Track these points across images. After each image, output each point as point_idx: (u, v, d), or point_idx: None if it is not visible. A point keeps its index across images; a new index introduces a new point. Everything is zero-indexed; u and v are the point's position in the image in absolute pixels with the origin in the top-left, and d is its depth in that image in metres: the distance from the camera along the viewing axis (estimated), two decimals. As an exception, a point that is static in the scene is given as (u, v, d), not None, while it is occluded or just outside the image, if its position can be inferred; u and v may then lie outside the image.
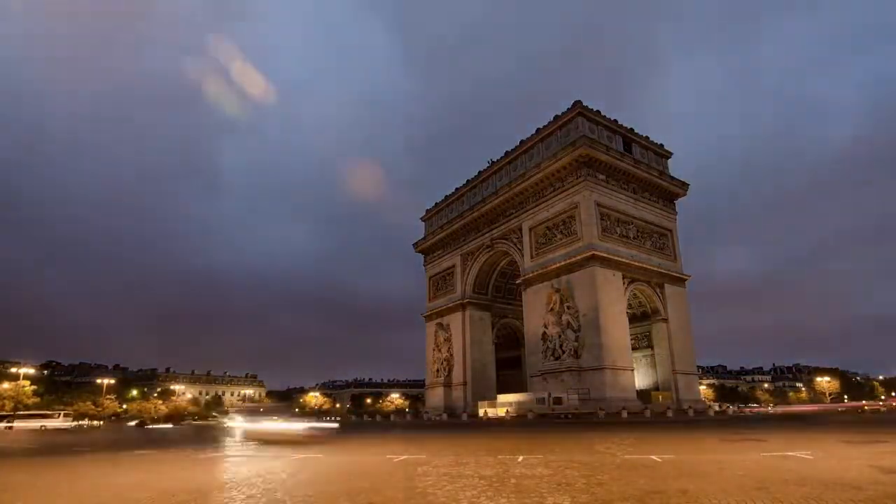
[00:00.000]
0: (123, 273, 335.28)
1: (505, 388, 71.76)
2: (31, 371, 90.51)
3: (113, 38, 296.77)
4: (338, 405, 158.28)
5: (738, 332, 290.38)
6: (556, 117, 68.33)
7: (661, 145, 74.57)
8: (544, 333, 63.35)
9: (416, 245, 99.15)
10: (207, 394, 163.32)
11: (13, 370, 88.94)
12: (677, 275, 68.63)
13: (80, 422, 76.45)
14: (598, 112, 67.11)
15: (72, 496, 9.78)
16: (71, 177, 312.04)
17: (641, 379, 60.31)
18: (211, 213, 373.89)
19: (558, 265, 62.98)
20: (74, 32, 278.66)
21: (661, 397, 60.54)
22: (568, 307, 60.80)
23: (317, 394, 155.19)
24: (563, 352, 60.46)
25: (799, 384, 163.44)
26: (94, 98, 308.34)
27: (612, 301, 59.53)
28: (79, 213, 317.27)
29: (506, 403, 62.59)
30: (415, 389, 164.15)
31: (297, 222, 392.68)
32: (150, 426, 70.30)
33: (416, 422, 69.83)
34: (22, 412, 69.85)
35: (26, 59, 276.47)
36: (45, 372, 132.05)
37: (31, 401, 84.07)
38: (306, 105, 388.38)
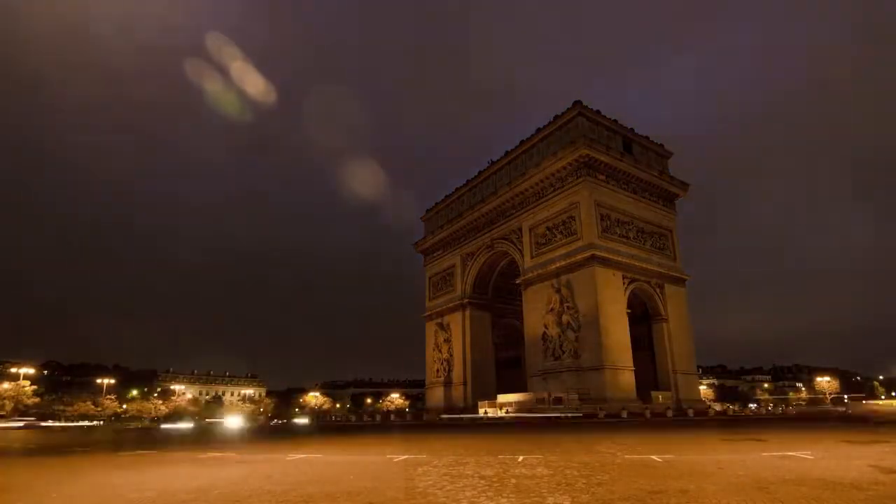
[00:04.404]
0: (124, 272, 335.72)
1: (505, 388, 71.72)
2: (31, 371, 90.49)
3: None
4: (338, 405, 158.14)
5: (738, 331, 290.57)
6: (556, 117, 68.28)
7: (662, 145, 74.57)
8: (544, 333, 63.33)
9: (416, 245, 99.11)
10: (207, 394, 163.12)
11: (13, 370, 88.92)
12: (677, 275, 68.62)
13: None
14: (598, 112, 67.09)
15: (72, 496, 9.78)
16: (71, 175, 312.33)
17: (641, 379, 60.23)
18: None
19: (558, 265, 62.95)
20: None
21: (661, 397, 60.50)
22: (568, 307, 60.78)
23: (317, 393, 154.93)
24: (563, 352, 60.45)
25: (799, 384, 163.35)
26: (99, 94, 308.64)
27: (612, 301, 59.50)
28: (77, 210, 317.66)
29: (506, 403, 62.57)
30: (415, 389, 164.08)
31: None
32: None
33: (415, 422, 69.82)
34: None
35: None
36: (45, 372, 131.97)
37: (31, 401, 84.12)
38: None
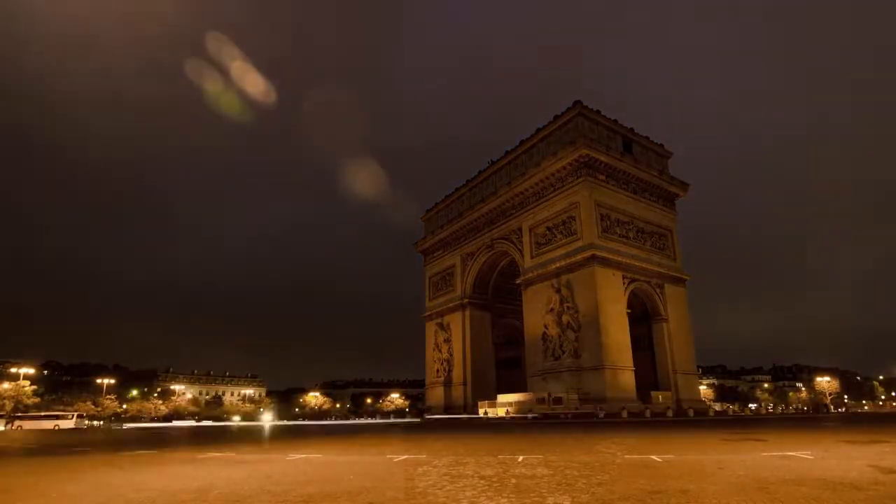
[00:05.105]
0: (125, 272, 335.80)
1: (505, 388, 71.83)
2: (31, 371, 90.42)
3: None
4: (338, 405, 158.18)
5: (738, 331, 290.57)
6: (556, 117, 68.31)
7: (662, 145, 74.59)
8: (544, 333, 63.37)
9: (416, 245, 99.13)
10: (207, 394, 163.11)
11: (13, 370, 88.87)
12: (677, 275, 68.65)
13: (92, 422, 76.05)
14: (598, 112, 67.08)
15: (72, 496, 9.78)
16: (70, 174, 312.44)
17: (641, 379, 60.23)
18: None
19: (558, 265, 62.97)
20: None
21: (661, 397, 60.56)
22: (568, 307, 60.81)
23: (317, 393, 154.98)
24: (563, 352, 60.49)
25: (799, 384, 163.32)
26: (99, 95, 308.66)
27: (611, 301, 59.53)
28: (78, 213, 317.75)
29: (506, 403, 62.61)
30: (415, 389, 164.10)
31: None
32: None
33: (415, 422, 69.73)
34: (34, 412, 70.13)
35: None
36: (45, 372, 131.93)
37: (31, 401, 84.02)
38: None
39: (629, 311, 62.20)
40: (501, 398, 65.02)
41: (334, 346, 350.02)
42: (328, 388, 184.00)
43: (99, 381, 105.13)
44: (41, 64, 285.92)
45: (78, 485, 11.48)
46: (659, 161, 73.18)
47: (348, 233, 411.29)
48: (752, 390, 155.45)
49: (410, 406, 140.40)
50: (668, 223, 71.10)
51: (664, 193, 71.46)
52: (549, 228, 66.98)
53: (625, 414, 49.65)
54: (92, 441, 32.60)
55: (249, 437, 34.62)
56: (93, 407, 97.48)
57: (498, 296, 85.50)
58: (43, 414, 67.45)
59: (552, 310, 62.59)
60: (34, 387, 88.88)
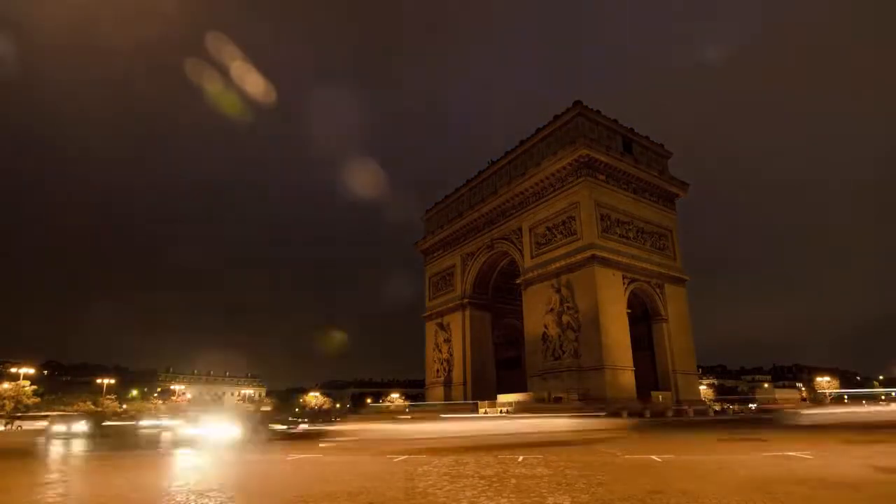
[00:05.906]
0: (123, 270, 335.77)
1: (505, 388, 71.76)
2: (31, 371, 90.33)
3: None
4: (338, 405, 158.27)
5: (738, 331, 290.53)
6: (557, 117, 68.24)
7: (662, 145, 74.52)
8: (544, 333, 63.33)
9: (416, 245, 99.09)
10: (208, 394, 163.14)
11: (13, 370, 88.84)
12: (677, 275, 68.61)
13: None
14: (598, 112, 67.04)
15: (72, 496, 9.78)
16: (71, 174, 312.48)
17: (641, 379, 60.21)
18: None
19: (558, 265, 62.94)
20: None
21: (660, 397, 60.51)
22: (568, 307, 60.78)
23: (317, 393, 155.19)
24: (563, 352, 60.45)
25: (799, 384, 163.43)
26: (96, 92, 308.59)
27: (612, 301, 59.50)
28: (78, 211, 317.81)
29: (506, 403, 62.56)
30: (415, 389, 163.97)
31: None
32: None
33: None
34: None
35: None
36: (45, 372, 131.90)
37: (31, 401, 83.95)
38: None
39: (629, 311, 62.15)
40: (501, 398, 64.96)
41: (334, 346, 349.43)
42: (328, 388, 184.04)
43: (99, 381, 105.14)
44: (40, 65, 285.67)
45: (78, 485, 11.49)
46: (659, 161, 73.14)
47: (349, 232, 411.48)
48: (752, 390, 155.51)
49: (410, 406, 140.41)
50: (668, 223, 71.07)
51: (664, 193, 71.45)
52: (549, 228, 66.93)
53: (625, 414, 49.54)
54: (91, 441, 32.57)
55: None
56: (93, 407, 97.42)
57: (498, 296, 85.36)
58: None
59: (552, 310, 62.56)
60: (34, 387, 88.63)
